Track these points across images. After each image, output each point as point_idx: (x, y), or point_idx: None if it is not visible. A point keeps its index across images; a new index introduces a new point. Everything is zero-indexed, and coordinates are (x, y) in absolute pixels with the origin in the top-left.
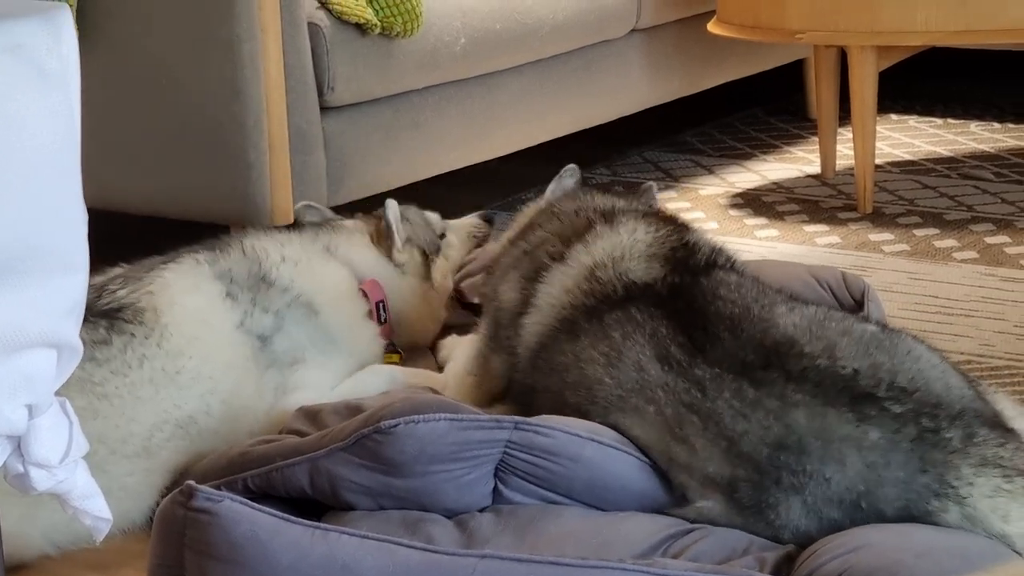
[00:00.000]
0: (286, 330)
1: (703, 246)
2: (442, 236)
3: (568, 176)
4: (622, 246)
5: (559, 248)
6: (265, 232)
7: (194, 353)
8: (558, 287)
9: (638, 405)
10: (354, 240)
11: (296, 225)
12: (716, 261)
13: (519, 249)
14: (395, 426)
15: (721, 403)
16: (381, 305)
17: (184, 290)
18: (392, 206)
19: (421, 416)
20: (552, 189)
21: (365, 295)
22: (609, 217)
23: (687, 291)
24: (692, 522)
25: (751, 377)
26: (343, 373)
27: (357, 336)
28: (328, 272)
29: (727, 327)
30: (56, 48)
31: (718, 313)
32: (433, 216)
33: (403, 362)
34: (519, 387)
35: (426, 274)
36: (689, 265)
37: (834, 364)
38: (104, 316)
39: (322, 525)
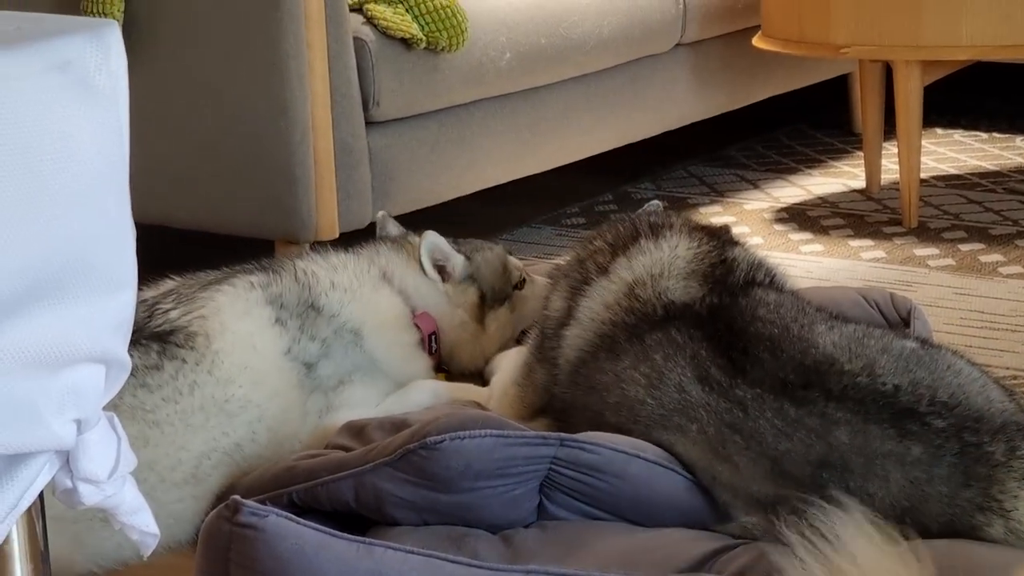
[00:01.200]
0: (332, 356)
1: (742, 263)
2: (518, 287)
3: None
4: (662, 263)
5: (606, 260)
6: (322, 255)
7: (243, 381)
8: (599, 302)
9: (681, 424)
10: (412, 267)
11: (368, 238)
12: (755, 278)
13: (575, 257)
14: (441, 442)
15: (763, 423)
16: (433, 337)
17: (236, 315)
18: (428, 239)
19: (467, 432)
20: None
21: (417, 325)
22: (655, 230)
23: (726, 312)
24: (736, 538)
25: (792, 396)
26: (388, 391)
27: (405, 365)
28: (380, 300)
29: (767, 348)
30: (105, 64)
31: (757, 334)
32: (515, 263)
33: (449, 377)
34: (559, 402)
35: (480, 317)
36: (728, 284)
37: (874, 381)
38: (156, 339)
39: (367, 540)
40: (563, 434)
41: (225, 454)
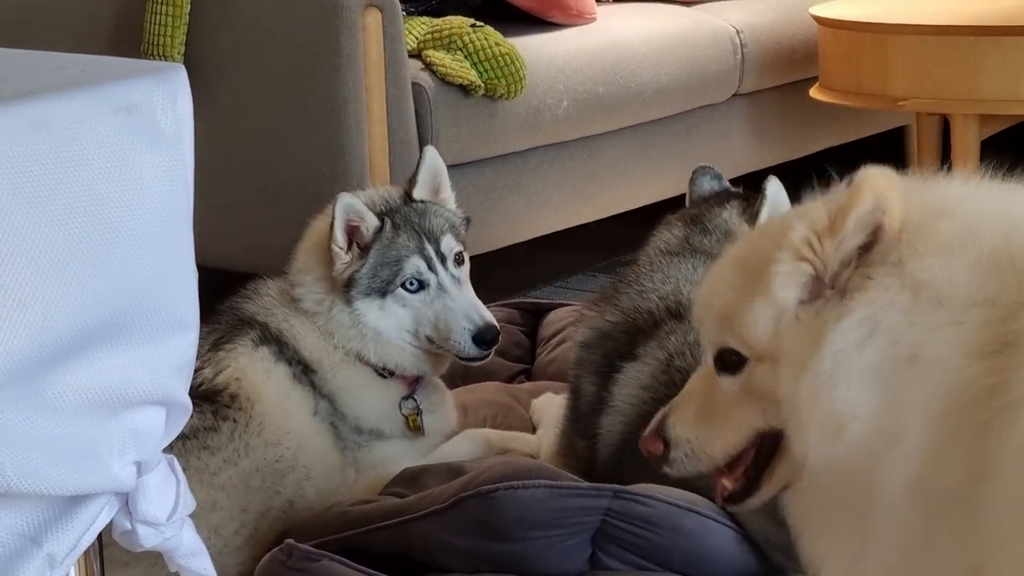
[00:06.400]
0: (338, 413)
1: None
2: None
3: (702, 176)
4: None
5: (628, 346)
6: (269, 301)
7: (290, 444)
8: (636, 386)
9: None
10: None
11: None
12: None
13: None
14: (495, 491)
15: None
16: None
17: (262, 380)
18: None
19: (521, 482)
20: (689, 196)
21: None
22: (675, 313)
23: None
24: None
25: None
26: (418, 445)
27: (366, 395)
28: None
29: None
30: (171, 108)
31: None
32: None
33: (419, 417)
34: (605, 471)
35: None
36: None
37: None
38: (206, 400)
39: None
40: (617, 486)
41: (281, 511)
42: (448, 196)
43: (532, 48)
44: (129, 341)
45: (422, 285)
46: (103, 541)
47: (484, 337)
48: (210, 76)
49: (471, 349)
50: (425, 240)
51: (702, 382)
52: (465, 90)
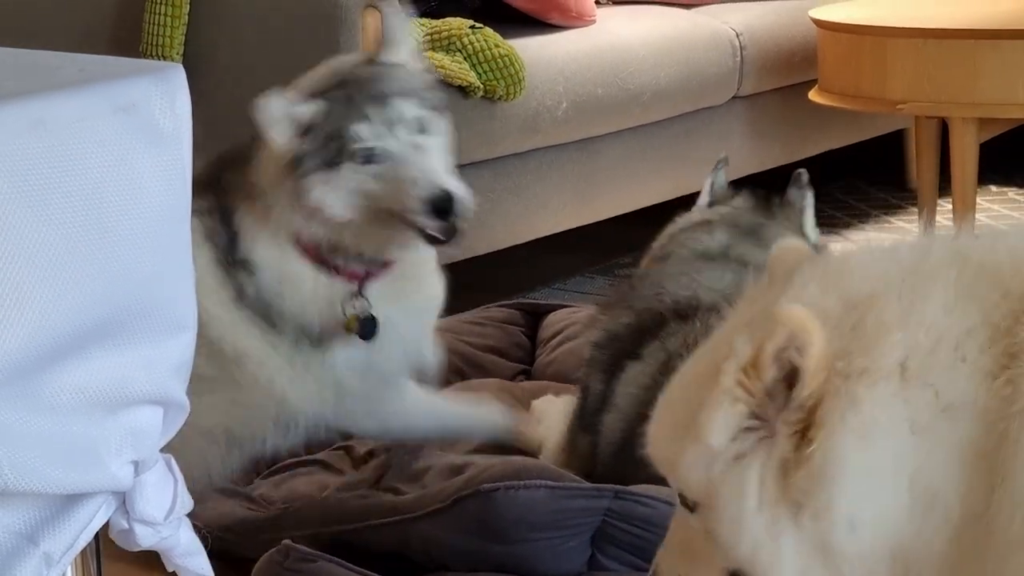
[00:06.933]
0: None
1: None
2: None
3: (723, 167)
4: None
5: (634, 346)
6: None
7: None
8: (635, 385)
9: None
10: None
11: None
12: None
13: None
14: (495, 490)
15: None
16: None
17: None
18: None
19: (522, 482)
20: (706, 190)
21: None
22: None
23: None
24: None
25: None
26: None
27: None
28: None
29: None
30: (170, 107)
31: None
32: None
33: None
34: (605, 470)
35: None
36: None
37: None
38: None
39: None
40: (618, 487)
41: None
42: (410, 56)
43: (531, 50)
44: (127, 340)
45: (370, 157)
46: (100, 541)
47: (440, 205)
48: (209, 76)
49: (426, 220)
50: (370, 106)
51: (681, 517)
52: (464, 91)
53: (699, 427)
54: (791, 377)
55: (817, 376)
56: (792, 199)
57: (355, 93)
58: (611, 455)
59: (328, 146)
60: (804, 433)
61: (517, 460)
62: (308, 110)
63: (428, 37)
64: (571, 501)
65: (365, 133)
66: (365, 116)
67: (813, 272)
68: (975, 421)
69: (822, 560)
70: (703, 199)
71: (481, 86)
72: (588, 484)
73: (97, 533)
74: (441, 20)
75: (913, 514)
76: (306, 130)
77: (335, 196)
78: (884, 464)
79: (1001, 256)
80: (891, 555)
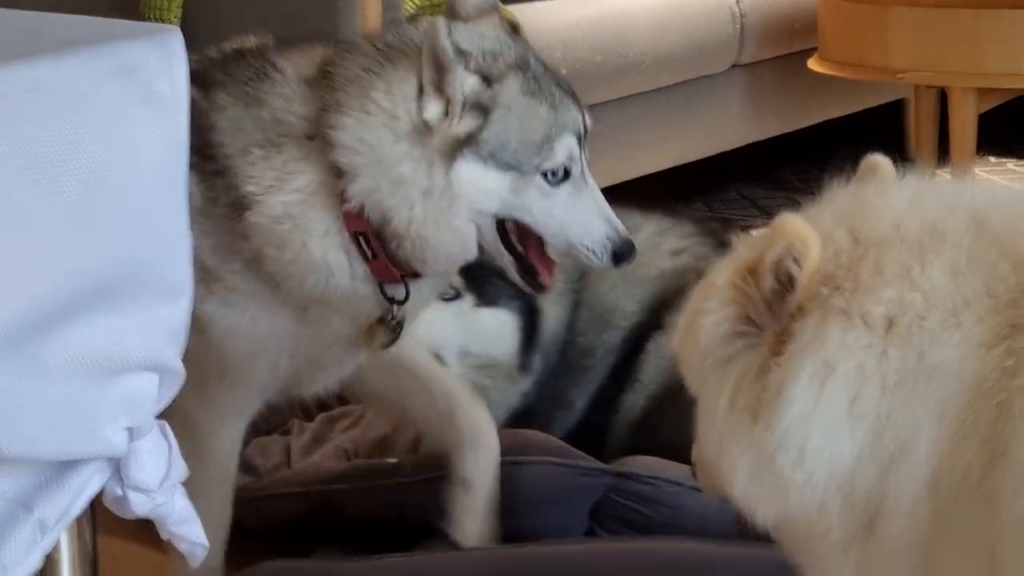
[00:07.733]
0: None
1: None
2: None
3: None
4: None
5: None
6: None
7: None
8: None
9: None
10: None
11: None
12: None
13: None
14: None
15: None
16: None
17: None
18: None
19: (526, 457)
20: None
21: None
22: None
23: None
24: None
25: None
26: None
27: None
28: None
29: None
30: (168, 72)
31: None
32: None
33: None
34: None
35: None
36: None
37: None
38: None
39: None
40: (620, 467)
41: None
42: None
43: (530, 16)
44: (122, 306)
45: (567, 175)
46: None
47: (623, 254)
48: (206, 38)
49: (608, 263)
50: (575, 108)
51: None
52: None
53: (694, 323)
54: (787, 288)
55: (807, 289)
56: None
57: (554, 91)
58: (628, 433)
59: (518, 149)
60: (782, 343)
61: (522, 433)
62: (511, 94)
63: (427, 2)
64: (574, 479)
65: (567, 152)
66: (569, 128)
67: (840, 198)
68: (962, 389)
69: (771, 480)
70: None
71: None
72: (593, 462)
73: (92, 506)
74: None
75: (874, 461)
76: (484, 109)
77: (490, 200)
78: (839, 407)
79: (1021, 227)
80: (843, 495)
